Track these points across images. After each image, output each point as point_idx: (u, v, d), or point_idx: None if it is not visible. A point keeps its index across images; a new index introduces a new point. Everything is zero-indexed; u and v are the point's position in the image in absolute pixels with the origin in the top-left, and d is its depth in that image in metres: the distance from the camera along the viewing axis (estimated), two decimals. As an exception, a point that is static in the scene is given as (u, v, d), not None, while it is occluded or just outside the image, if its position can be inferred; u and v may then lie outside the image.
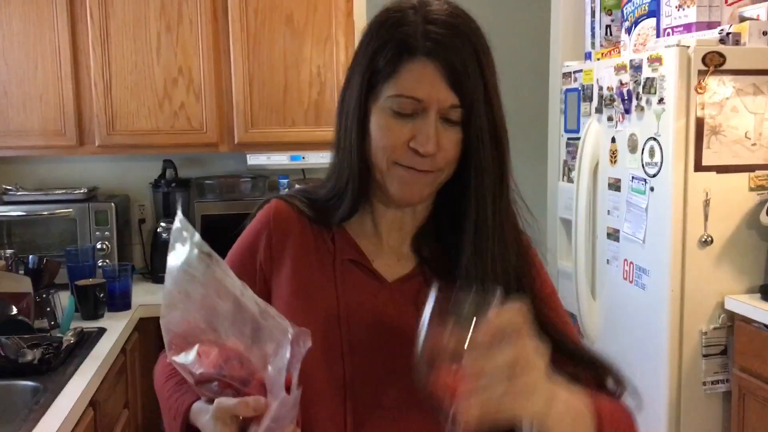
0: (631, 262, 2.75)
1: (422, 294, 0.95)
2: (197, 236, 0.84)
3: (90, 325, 2.31)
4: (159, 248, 2.97)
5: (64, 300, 2.38)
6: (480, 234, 0.92)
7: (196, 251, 0.82)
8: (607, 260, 2.92)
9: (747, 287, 2.52)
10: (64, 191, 2.91)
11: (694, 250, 2.50)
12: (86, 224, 2.82)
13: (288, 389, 0.77)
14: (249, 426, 0.79)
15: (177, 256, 0.84)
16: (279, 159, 2.96)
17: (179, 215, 0.87)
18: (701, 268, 2.51)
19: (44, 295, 2.33)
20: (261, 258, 0.99)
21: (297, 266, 0.97)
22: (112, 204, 2.86)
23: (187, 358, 0.83)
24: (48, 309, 2.33)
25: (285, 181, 3.13)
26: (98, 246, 2.80)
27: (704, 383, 2.55)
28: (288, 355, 0.76)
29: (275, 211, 1.01)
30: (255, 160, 2.97)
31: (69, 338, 2.06)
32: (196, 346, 0.82)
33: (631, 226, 2.72)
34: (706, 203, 2.49)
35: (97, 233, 2.83)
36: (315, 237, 0.99)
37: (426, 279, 0.97)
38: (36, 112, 2.78)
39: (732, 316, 2.49)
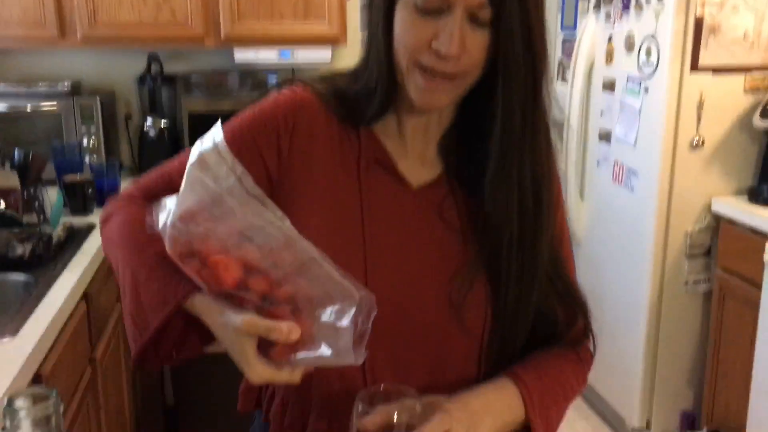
0: (621, 164, 2.75)
1: (446, 202, 0.94)
2: (240, 167, 0.78)
3: (79, 220, 2.31)
4: (146, 146, 2.93)
5: (52, 196, 2.36)
6: (507, 144, 0.87)
7: (235, 183, 0.78)
8: (597, 162, 2.92)
9: (735, 190, 2.54)
10: (47, 85, 2.84)
11: (685, 153, 2.50)
12: (71, 120, 2.77)
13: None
14: (270, 347, 0.78)
15: (209, 176, 0.78)
16: (268, 55, 2.88)
17: (218, 132, 0.80)
18: (691, 170, 2.51)
19: (32, 191, 2.32)
20: (279, 144, 0.93)
21: (321, 165, 0.92)
22: (98, 98, 2.80)
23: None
24: (36, 204, 2.32)
25: (274, 76, 3.07)
26: (84, 143, 2.77)
27: (686, 283, 2.61)
28: (351, 318, 0.76)
29: (304, 102, 0.94)
30: (243, 55, 2.89)
31: (59, 233, 2.06)
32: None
33: (624, 127, 2.70)
34: (700, 105, 2.46)
35: (83, 129, 2.78)
36: (340, 135, 0.93)
37: (451, 188, 0.94)
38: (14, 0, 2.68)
39: (718, 218, 2.52)
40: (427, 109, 0.89)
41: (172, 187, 0.89)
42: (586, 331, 0.98)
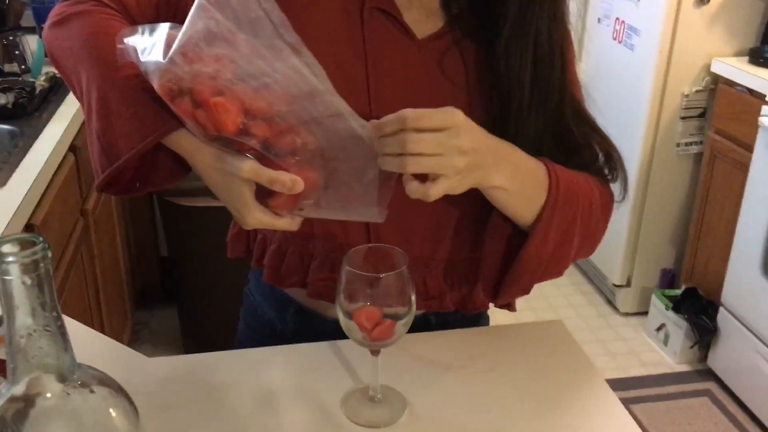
0: (622, 21, 2.66)
1: (449, 54, 0.89)
2: (279, 13, 0.73)
3: (62, 70, 2.24)
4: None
5: (32, 44, 2.28)
6: (527, 3, 0.83)
7: (263, 20, 0.72)
8: (598, 19, 2.82)
9: (736, 50, 2.48)
10: (19, -77, 2.66)
11: (689, 10, 2.41)
12: (48, -38, 2.62)
13: None
14: (268, 195, 0.77)
15: (228, 9, 0.72)
16: None
17: None
18: (693, 29, 2.44)
19: (11, 38, 2.23)
20: None
21: (323, 10, 0.87)
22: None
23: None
24: (17, 52, 2.24)
25: None
26: (63, -13, 2.63)
27: (678, 144, 2.60)
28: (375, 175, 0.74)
29: None
30: None
31: (42, 83, 2.00)
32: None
33: (628, -19, 2.59)
34: (710, -42, 2.35)
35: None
36: None
37: (455, 38, 0.90)
38: None
39: (716, 79, 2.48)
40: None
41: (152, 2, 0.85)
42: (612, 171, 0.94)
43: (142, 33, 0.76)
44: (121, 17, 0.85)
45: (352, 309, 0.78)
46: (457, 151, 0.76)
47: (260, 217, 0.78)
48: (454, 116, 0.77)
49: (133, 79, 0.77)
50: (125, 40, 0.76)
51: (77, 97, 0.85)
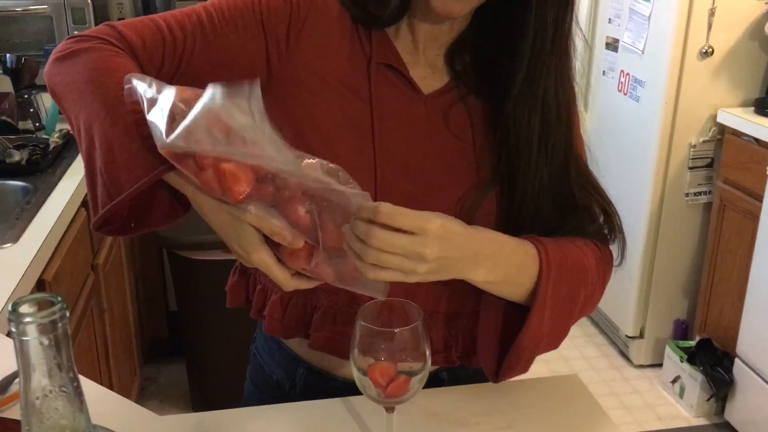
0: (627, 74, 2.69)
1: (454, 109, 0.90)
2: (259, 108, 0.72)
3: (76, 127, 2.28)
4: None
5: (47, 101, 2.32)
6: (535, 62, 0.84)
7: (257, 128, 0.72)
8: (603, 71, 2.86)
9: (742, 101, 2.50)
10: (36, -14, 2.74)
11: (694, 62, 2.44)
12: (63, 22, 2.69)
13: None
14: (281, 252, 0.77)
15: (224, 108, 0.72)
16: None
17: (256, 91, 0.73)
18: (698, 80, 2.47)
19: (26, 96, 2.28)
20: (288, 30, 0.87)
21: (330, 62, 0.88)
22: (89, 1, 2.71)
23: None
24: (31, 110, 2.28)
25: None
26: (78, 46, 2.69)
27: (687, 194, 2.60)
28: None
29: None
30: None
31: (56, 140, 2.03)
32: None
33: (632, 35, 2.63)
34: (712, 12, 2.39)
35: (75, 32, 2.70)
36: (352, 34, 0.89)
37: (461, 94, 0.91)
38: None
39: (723, 129, 2.49)
40: (446, 16, 0.85)
41: (160, 38, 0.85)
42: (611, 232, 0.93)
43: (149, 85, 0.75)
44: (127, 56, 0.85)
45: (366, 365, 0.77)
46: (418, 258, 0.75)
47: (265, 258, 0.77)
48: (429, 222, 0.75)
49: (138, 114, 0.76)
50: (134, 81, 0.76)
51: (74, 134, 0.83)
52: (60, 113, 2.30)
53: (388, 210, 0.73)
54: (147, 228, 0.85)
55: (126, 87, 0.77)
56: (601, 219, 0.92)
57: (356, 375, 0.79)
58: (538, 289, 0.84)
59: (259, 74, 0.86)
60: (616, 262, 0.94)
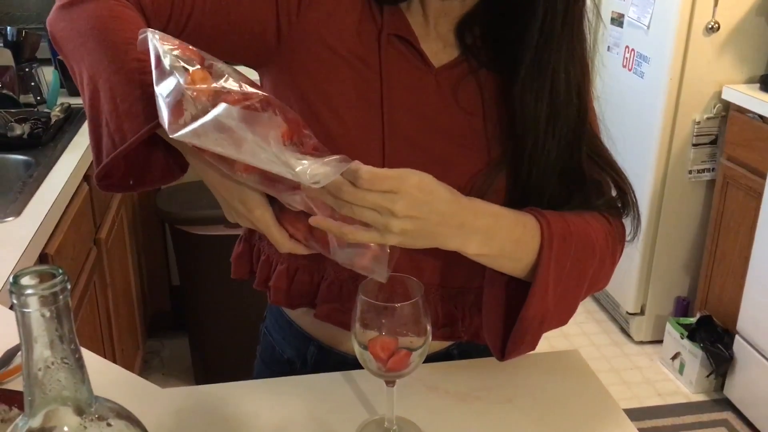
0: (632, 49, 2.67)
1: (464, 82, 0.89)
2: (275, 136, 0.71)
3: (77, 101, 2.26)
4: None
5: (47, 75, 2.31)
6: (544, 44, 0.83)
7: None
8: (608, 47, 2.84)
9: (747, 77, 2.48)
10: (36, -42, 2.71)
11: (699, 37, 2.42)
12: (64, -5, 2.67)
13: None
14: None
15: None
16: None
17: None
18: (703, 56, 2.45)
19: (27, 69, 2.27)
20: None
21: (341, 32, 0.87)
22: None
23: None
24: (32, 84, 2.27)
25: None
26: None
27: (690, 171, 2.60)
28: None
29: None
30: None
31: (57, 113, 2.02)
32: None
33: (638, 10, 2.61)
34: (718, -14, 2.37)
35: (76, 5, 2.68)
36: (362, 7, 0.88)
37: (471, 68, 0.90)
38: None
39: (727, 106, 2.48)
40: None
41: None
42: (625, 207, 0.93)
43: (164, 55, 0.72)
44: (133, 7, 0.83)
45: (367, 339, 0.78)
46: (389, 213, 0.73)
47: (266, 216, 0.77)
48: (403, 180, 0.74)
49: (143, 62, 0.75)
50: (149, 34, 0.73)
51: (76, 82, 0.82)
52: (61, 86, 2.30)
53: (368, 176, 0.72)
54: (145, 186, 0.84)
55: (140, 36, 0.74)
56: (615, 194, 0.91)
57: (357, 349, 0.79)
58: (540, 262, 0.83)
59: (268, 40, 0.85)
60: (628, 237, 0.93)
